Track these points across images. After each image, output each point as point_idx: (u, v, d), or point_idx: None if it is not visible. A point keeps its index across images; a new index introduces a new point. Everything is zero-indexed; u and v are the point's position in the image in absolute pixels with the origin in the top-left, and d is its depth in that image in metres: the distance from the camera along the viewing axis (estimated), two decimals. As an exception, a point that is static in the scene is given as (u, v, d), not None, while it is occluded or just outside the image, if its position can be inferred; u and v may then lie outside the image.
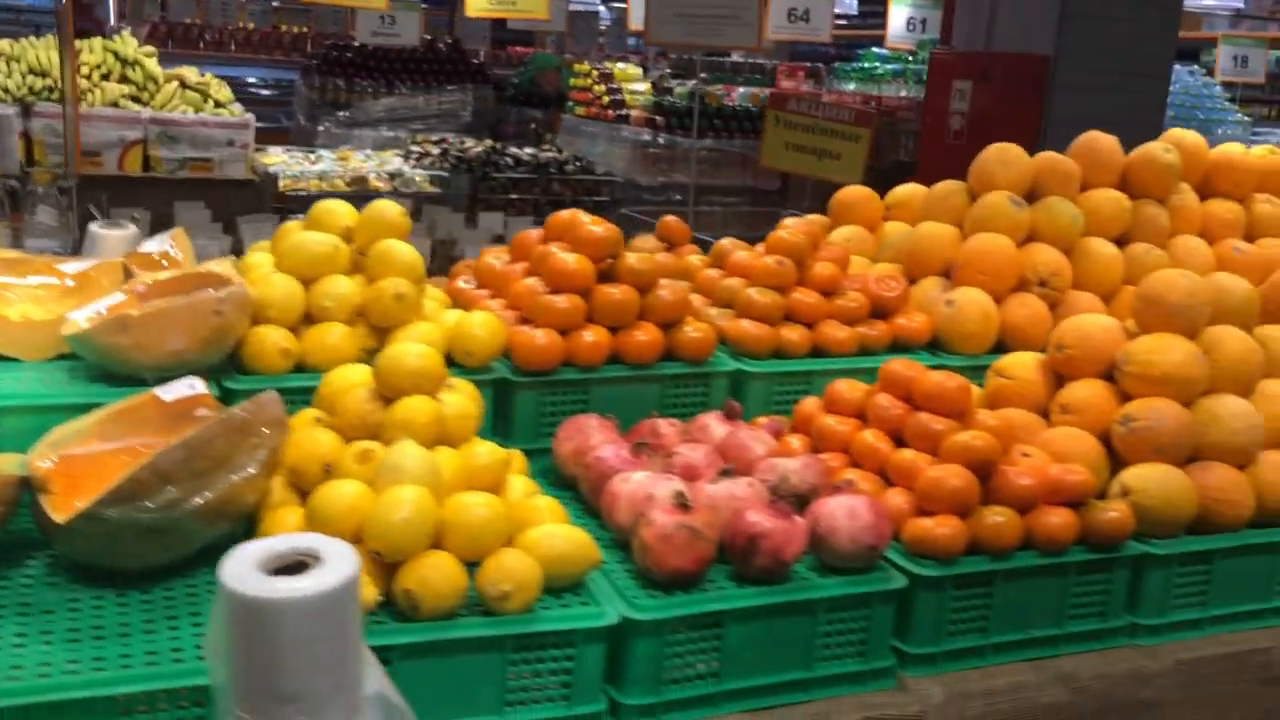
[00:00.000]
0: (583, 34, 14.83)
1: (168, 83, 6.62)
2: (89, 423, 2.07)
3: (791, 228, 3.08)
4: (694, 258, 3.26)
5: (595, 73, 9.45)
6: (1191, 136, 3.42)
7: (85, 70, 6.40)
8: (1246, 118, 10.67)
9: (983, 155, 3.28)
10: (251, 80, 12.21)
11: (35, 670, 1.69)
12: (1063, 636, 2.42)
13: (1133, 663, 2.41)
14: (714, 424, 2.58)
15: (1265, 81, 11.59)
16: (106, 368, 2.29)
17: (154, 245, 2.85)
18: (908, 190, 3.62)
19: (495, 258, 3.02)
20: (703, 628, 2.08)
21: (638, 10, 9.45)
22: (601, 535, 2.30)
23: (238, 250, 4.73)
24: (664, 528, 2.09)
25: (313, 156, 7.21)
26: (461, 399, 2.26)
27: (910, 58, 9.10)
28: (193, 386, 2.15)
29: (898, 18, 9.65)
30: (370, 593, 1.85)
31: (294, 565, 1.47)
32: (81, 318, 2.31)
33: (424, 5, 11.69)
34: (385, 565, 1.93)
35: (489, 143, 7.68)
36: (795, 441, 2.62)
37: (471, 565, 1.97)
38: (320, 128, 8.95)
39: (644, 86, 9.16)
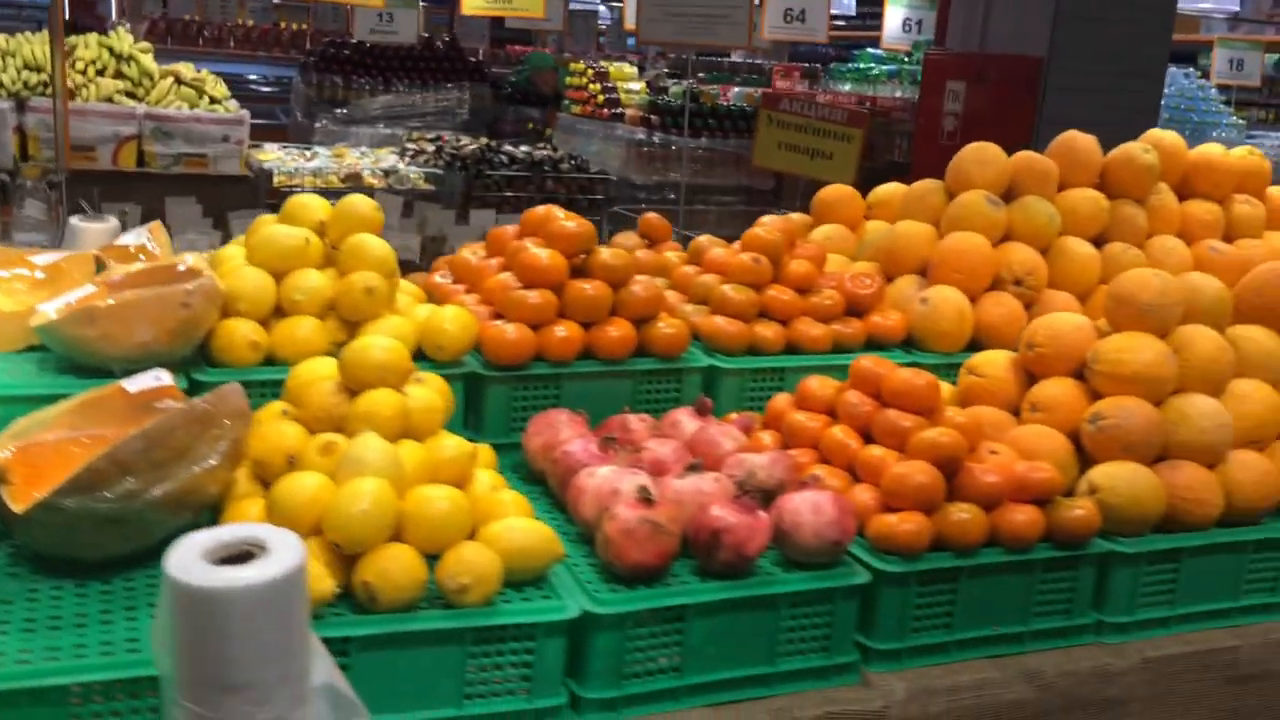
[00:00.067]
0: (581, 33, 14.84)
1: (163, 78, 6.63)
2: (53, 413, 2.08)
3: (768, 225, 3.09)
4: (672, 254, 3.27)
5: (591, 71, 9.45)
6: (1170, 137, 3.42)
7: (80, 65, 6.41)
8: (1241, 121, 10.67)
9: (960, 155, 3.29)
10: (252, 77, 12.23)
11: (-12, 659, 1.70)
12: (1029, 634, 2.42)
13: (1098, 660, 2.41)
14: (685, 419, 2.59)
15: (1261, 85, 11.57)
16: (74, 359, 2.30)
17: (131, 238, 2.86)
18: (889, 189, 3.62)
19: (472, 253, 3.03)
20: (665, 622, 2.08)
21: (633, 10, 9.46)
22: (569, 530, 2.31)
23: (228, 246, 4.74)
24: (626, 522, 2.10)
25: (308, 153, 7.22)
26: (428, 393, 2.27)
27: (906, 59, 9.11)
28: (158, 379, 2.15)
29: (893, 19, 9.65)
30: (326, 584, 1.85)
31: (240, 555, 1.48)
32: (51, 309, 2.32)
33: (423, 3, 11.71)
34: (345, 557, 1.93)
35: (484, 140, 7.68)
36: (767, 437, 2.63)
37: (433, 558, 1.98)
38: (317, 125, 8.96)
39: (639, 86, 9.16)
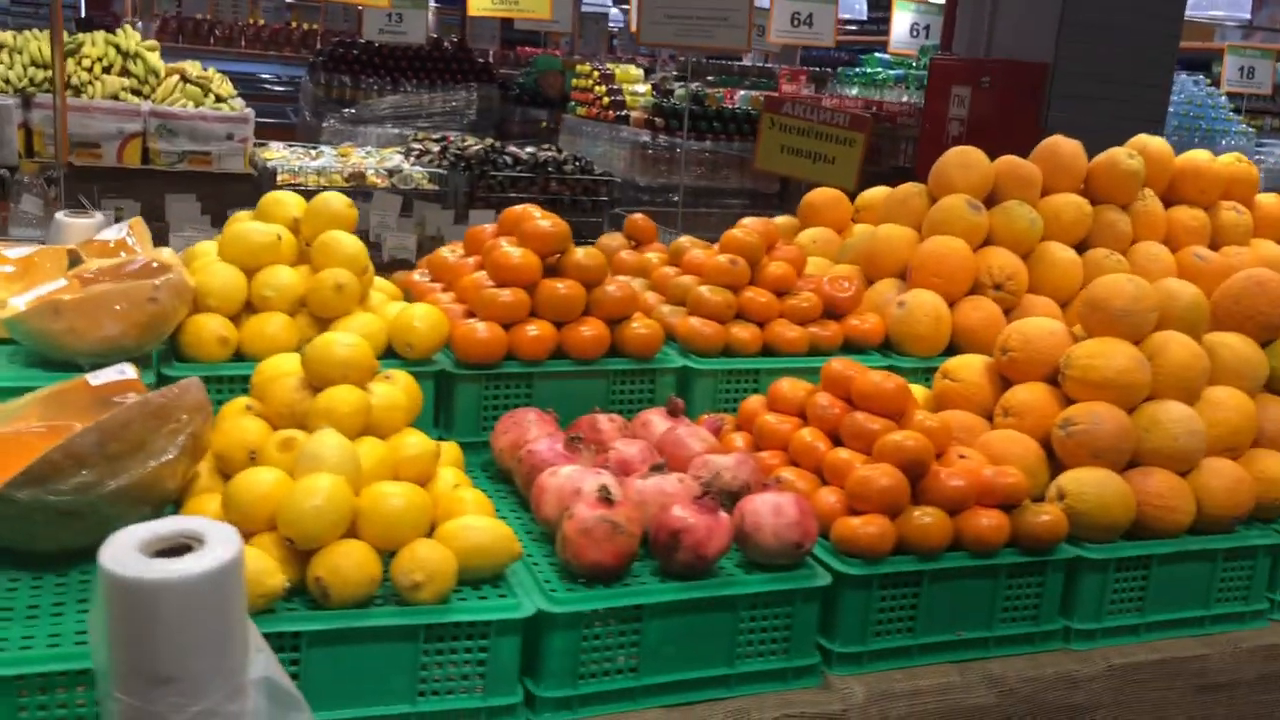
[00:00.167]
0: (591, 35, 14.85)
1: (168, 76, 6.66)
2: (17, 406, 2.09)
3: (747, 228, 3.08)
4: (653, 255, 3.27)
5: (596, 74, 9.45)
6: (1157, 143, 3.40)
7: (87, 63, 6.46)
8: (1251, 129, 10.61)
9: (943, 159, 3.28)
10: (266, 76, 12.26)
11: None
12: (994, 639, 2.41)
13: (1063, 666, 2.40)
14: (656, 420, 2.59)
15: (1272, 93, 11.50)
16: (42, 353, 2.31)
17: (111, 233, 2.87)
18: (876, 193, 3.62)
19: (451, 251, 3.04)
20: (622, 621, 2.08)
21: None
22: (533, 529, 2.31)
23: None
24: (584, 521, 2.10)
25: (313, 152, 7.24)
26: (393, 390, 2.27)
27: (913, 63, 9.09)
28: (123, 372, 2.16)
29: (901, 24, 9.65)
30: (277, 579, 1.86)
31: (177, 548, 1.48)
32: (21, 303, 2.33)
33: (435, 4, 11.72)
34: (299, 553, 1.94)
35: (489, 141, 7.69)
36: (739, 439, 2.63)
37: (391, 556, 1.98)
38: (325, 124, 8.98)
39: (644, 88, 9.16)
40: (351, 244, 2.55)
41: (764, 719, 2.14)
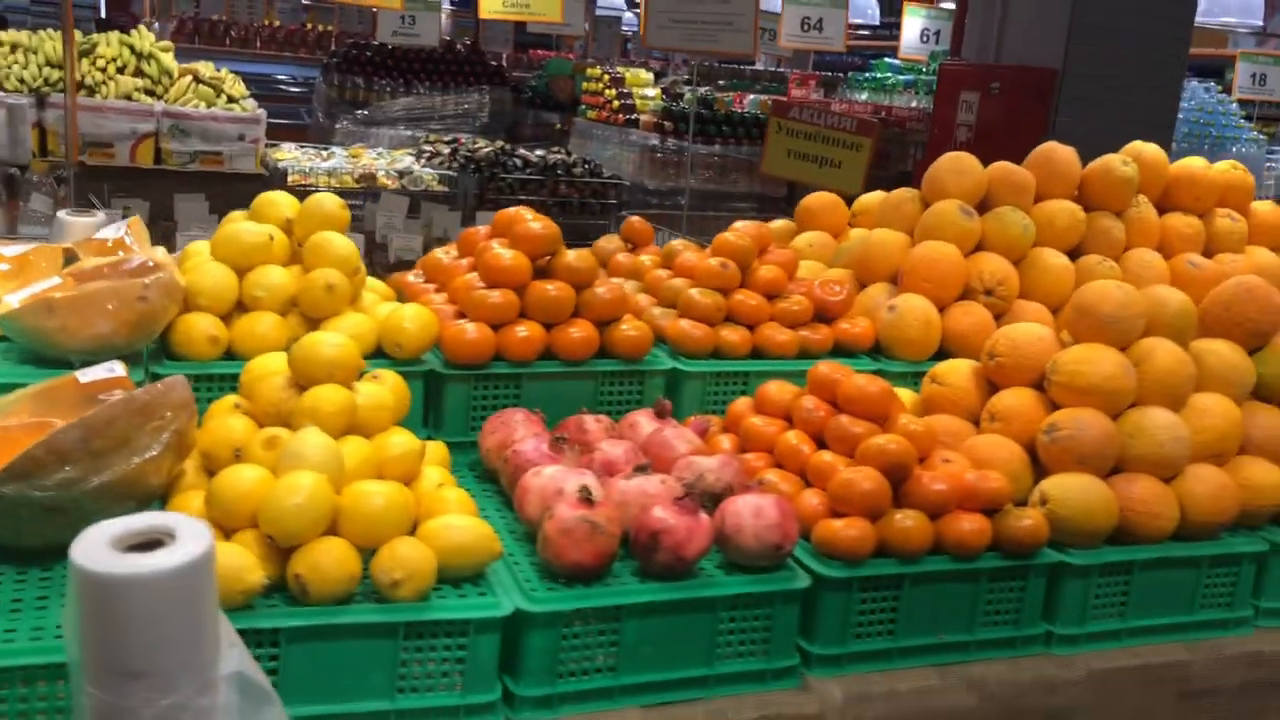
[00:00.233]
0: (604, 39, 14.88)
1: (182, 77, 6.71)
2: (8, 402, 2.12)
3: (739, 231, 3.10)
4: (647, 258, 3.29)
5: (606, 77, 9.48)
6: (1151, 149, 3.40)
7: (101, 63, 6.50)
8: (1262, 136, 10.56)
9: (936, 164, 3.29)
10: (281, 77, 12.34)
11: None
12: (975, 643, 2.42)
13: (1043, 670, 2.41)
14: (643, 421, 2.60)
15: (1284, 100, 11.48)
16: (34, 350, 2.35)
17: (109, 232, 2.90)
18: (872, 198, 3.63)
19: (445, 252, 3.06)
20: (601, 621, 2.10)
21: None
22: (517, 528, 2.33)
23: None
24: (564, 521, 2.12)
25: (325, 153, 7.29)
26: (379, 390, 2.29)
27: (923, 69, 9.10)
28: (112, 370, 2.19)
29: (911, 29, 9.65)
30: (256, 576, 1.88)
31: (148, 543, 1.50)
32: (15, 300, 2.36)
33: (451, 6, 11.76)
34: (280, 550, 1.96)
35: (500, 144, 7.73)
36: (726, 441, 2.64)
37: (373, 554, 2.00)
38: (338, 125, 9.03)
39: (654, 92, 9.19)
40: (343, 245, 2.58)
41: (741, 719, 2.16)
